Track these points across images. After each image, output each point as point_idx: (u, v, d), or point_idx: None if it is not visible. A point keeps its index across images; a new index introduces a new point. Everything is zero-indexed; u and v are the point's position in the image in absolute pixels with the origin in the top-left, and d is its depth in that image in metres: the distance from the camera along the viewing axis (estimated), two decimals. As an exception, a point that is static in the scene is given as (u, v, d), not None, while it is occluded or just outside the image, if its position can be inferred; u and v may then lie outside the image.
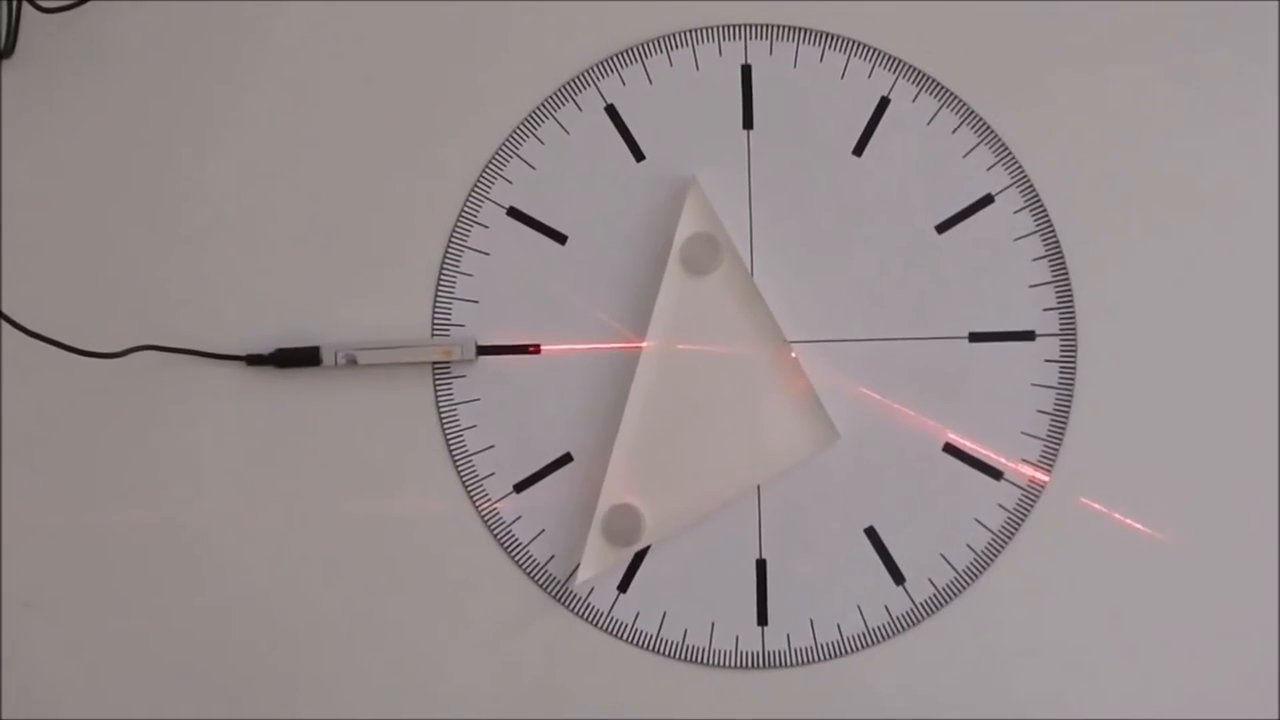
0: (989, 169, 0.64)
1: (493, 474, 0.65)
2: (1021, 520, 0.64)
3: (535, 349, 0.65)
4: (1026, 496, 0.64)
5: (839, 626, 0.64)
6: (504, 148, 0.65)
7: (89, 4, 0.65)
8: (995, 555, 0.64)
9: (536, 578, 0.65)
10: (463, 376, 0.65)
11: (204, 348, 0.65)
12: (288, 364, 0.64)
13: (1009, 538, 0.64)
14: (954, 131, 0.65)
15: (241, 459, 0.65)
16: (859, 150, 0.65)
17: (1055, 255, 0.64)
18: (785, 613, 0.64)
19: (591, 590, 0.64)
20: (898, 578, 0.64)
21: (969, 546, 0.64)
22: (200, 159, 0.66)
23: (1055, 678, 0.64)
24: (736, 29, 0.65)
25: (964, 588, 0.64)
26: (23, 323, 0.62)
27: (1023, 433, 0.64)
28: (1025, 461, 0.64)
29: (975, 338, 0.64)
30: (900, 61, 0.65)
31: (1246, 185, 0.64)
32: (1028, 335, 0.64)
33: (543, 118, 0.65)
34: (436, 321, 0.65)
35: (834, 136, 0.65)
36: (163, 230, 0.66)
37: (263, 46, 0.66)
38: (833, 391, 0.64)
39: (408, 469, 0.65)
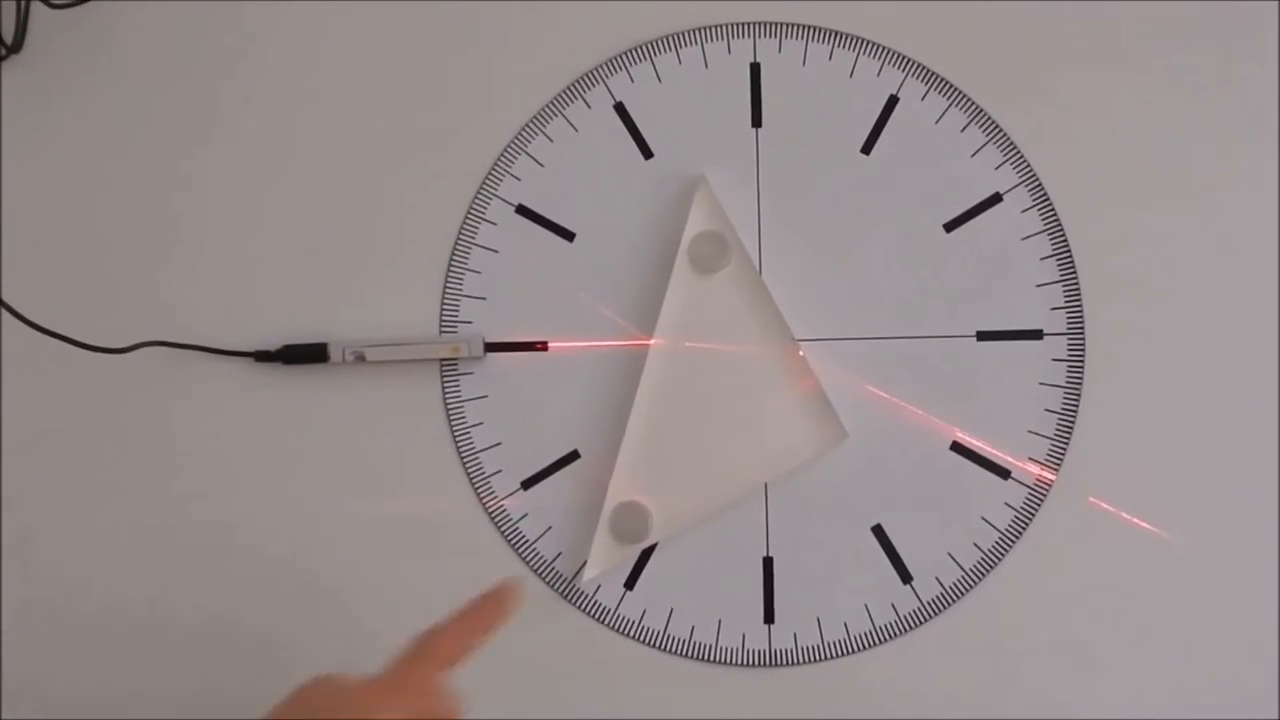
0: (997, 168, 0.64)
1: (500, 471, 0.65)
2: (1029, 519, 0.64)
3: (543, 346, 0.65)
4: (1034, 495, 0.64)
5: (846, 625, 0.64)
6: (512, 145, 0.65)
7: (98, 0, 0.65)
8: (1003, 554, 0.64)
9: (543, 575, 0.65)
10: (470, 373, 0.65)
11: (211, 344, 0.65)
12: (295, 360, 0.64)
13: (1016, 537, 0.64)
14: (962, 130, 0.65)
15: (248, 455, 0.65)
16: (867, 149, 0.65)
17: (1063, 254, 0.64)
18: (792, 610, 0.64)
19: (598, 587, 0.64)
20: (905, 576, 0.64)
21: (976, 545, 0.64)
22: (208, 155, 0.66)
23: (1063, 677, 0.63)
24: (745, 27, 0.65)
25: (971, 586, 0.64)
26: (29, 317, 0.62)
27: (1030, 431, 0.64)
28: (1033, 460, 0.64)
29: (983, 336, 0.64)
30: (909, 60, 0.65)
31: (1255, 185, 0.64)
32: (1035, 334, 0.64)
33: (551, 115, 0.65)
34: (444, 318, 0.65)
35: (842, 135, 0.65)
36: (170, 226, 0.66)
37: (271, 43, 0.66)
38: (840, 390, 0.64)
39: (415, 465, 0.65)
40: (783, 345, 0.64)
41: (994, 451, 0.64)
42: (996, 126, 0.65)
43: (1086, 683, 0.63)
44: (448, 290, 0.65)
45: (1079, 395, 0.64)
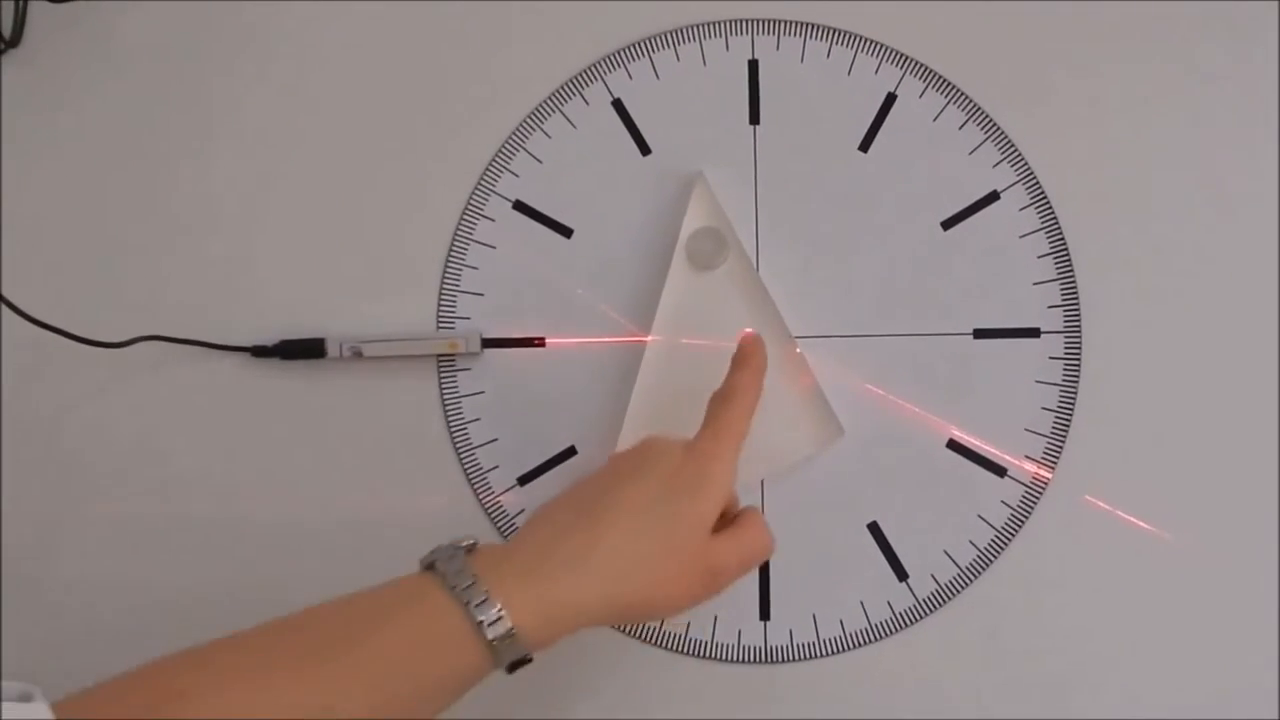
0: (995, 166, 0.65)
1: (497, 467, 0.65)
2: (1025, 517, 0.64)
3: (540, 342, 0.65)
4: (1030, 493, 0.64)
5: (842, 622, 0.64)
6: (510, 141, 0.65)
7: (96, -6, 0.65)
8: (999, 552, 0.64)
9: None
10: (467, 369, 0.65)
11: (208, 338, 0.65)
12: (292, 355, 0.64)
13: (1012, 534, 0.64)
14: (960, 128, 0.65)
15: (245, 450, 0.65)
16: (865, 146, 0.65)
17: (1060, 252, 0.64)
18: (788, 608, 0.64)
19: (595, 584, 0.64)
20: (901, 574, 0.64)
21: (972, 543, 0.64)
22: (206, 150, 0.66)
23: (1059, 675, 0.64)
24: (744, 24, 0.65)
25: (967, 584, 0.64)
26: (26, 311, 0.62)
27: (1027, 429, 0.64)
28: (1029, 458, 0.64)
29: (980, 334, 0.64)
30: (907, 57, 0.65)
31: (1254, 184, 0.64)
32: (1032, 332, 0.64)
33: (549, 111, 0.66)
34: (441, 314, 0.65)
35: (840, 132, 0.65)
36: (167, 221, 0.66)
37: (269, 39, 0.66)
38: (837, 387, 0.64)
39: (412, 461, 0.65)
40: (780, 342, 0.64)
41: (990, 449, 0.64)
42: (994, 124, 0.65)
43: (1083, 681, 0.63)
44: (445, 286, 0.65)
45: (1075, 393, 0.64)
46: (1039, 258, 0.64)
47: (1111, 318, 0.64)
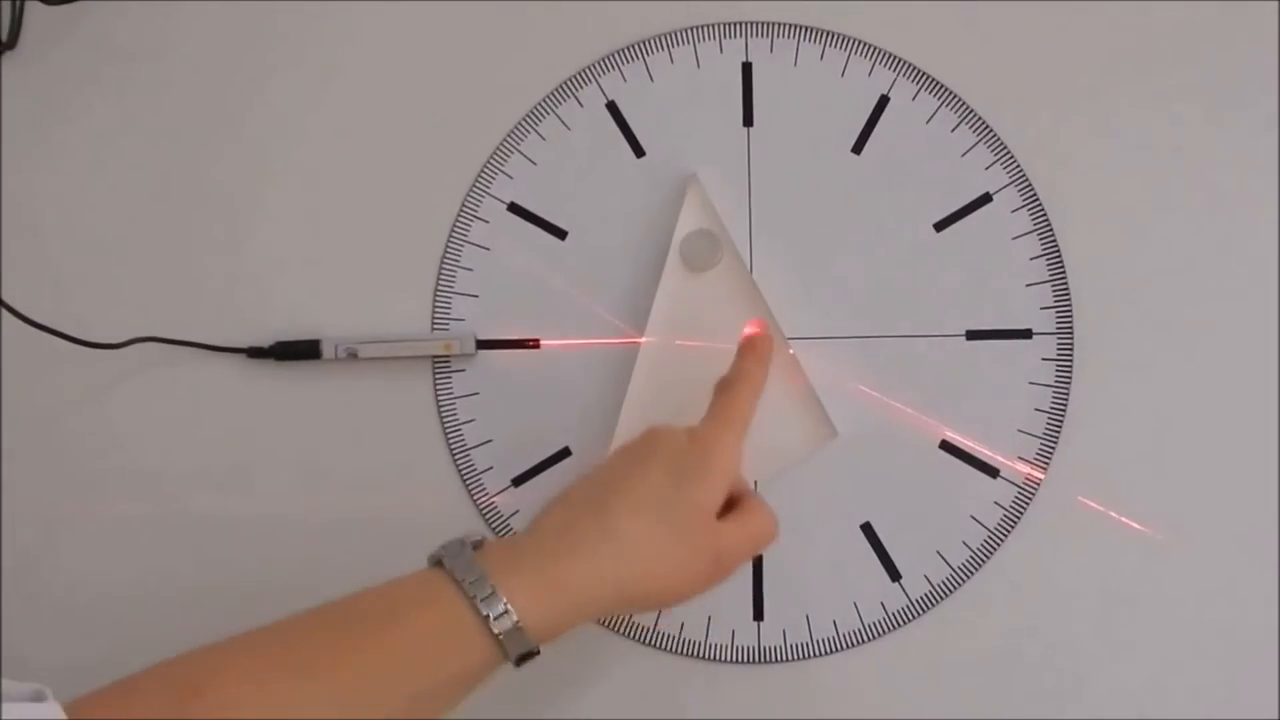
0: (987, 168, 0.65)
1: (491, 468, 0.65)
2: (1018, 518, 0.64)
3: (534, 344, 0.65)
4: (1023, 494, 0.64)
5: (835, 622, 0.64)
6: (505, 143, 0.66)
7: (93, -3, 0.66)
8: (991, 553, 0.64)
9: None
10: (462, 371, 0.65)
11: (204, 340, 0.65)
12: (288, 357, 0.65)
13: (1005, 535, 0.64)
14: (953, 130, 0.65)
15: (241, 450, 0.66)
16: (858, 148, 0.65)
17: (1053, 254, 0.64)
18: (781, 608, 0.64)
19: (589, 584, 0.65)
20: (894, 574, 0.64)
21: (965, 544, 0.64)
22: (202, 152, 0.66)
23: (1051, 675, 0.64)
24: (738, 26, 0.66)
25: (960, 584, 0.64)
26: (23, 312, 0.63)
27: (1019, 430, 0.64)
28: (1022, 459, 0.64)
29: (972, 335, 0.64)
30: (900, 60, 0.65)
31: (1246, 185, 0.65)
32: (1025, 333, 0.64)
33: (544, 114, 0.66)
34: (436, 316, 0.65)
35: (833, 134, 0.65)
36: (163, 223, 0.66)
37: (265, 44, 0.67)
38: (830, 388, 0.64)
39: (407, 462, 0.65)
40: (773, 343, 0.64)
41: (983, 450, 0.64)
42: (987, 127, 0.65)
43: (1076, 681, 0.64)
44: (440, 287, 0.65)
45: (1068, 394, 0.64)
46: (1031, 259, 0.64)
47: (1103, 319, 0.64)
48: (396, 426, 0.65)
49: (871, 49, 0.65)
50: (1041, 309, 0.64)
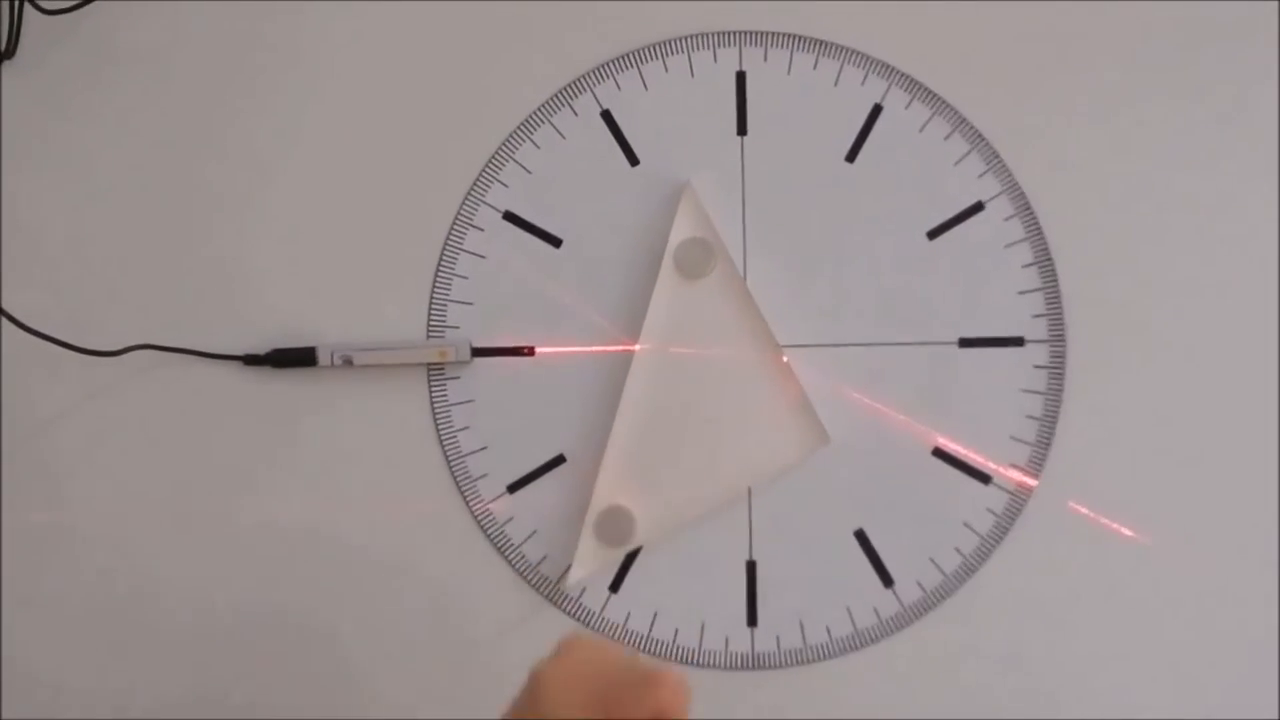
0: (980, 176, 0.65)
1: (486, 475, 0.65)
2: (1010, 524, 0.64)
3: (529, 351, 0.65)
4: (1015, 501, 0.64)
5: (828, 628, 0.64)
6: (500, 152, 0.66)
7: (90, 6, 0.66)
8: (983, 559, 0.64)
9: (529, 578, 0.65)
10: (457, 378, 0.65)
11: (201, 347, 0.65)
12: (284, 364, 0.65)
13: (997, 542, 0.64)
14: (946, 139, 0.65)
15: (237, 456, 0.66)
16: (851, 157, 0.65)
17: (1045, 262, 0.65)
18: (775, 614, 0.64)
19: (583, 591, 0.65)
20: (887, 580, 0.64)
21: (957, 550, 0.64)
22: (198, 160, 0.67)
23: (1043, 681, 0.64)
24: (731, 36, 0.66)
25: (952, 590, 0.64)
26: (21, 320, 0.63)
27: (1011, 437, 0.64)
28: (1014, 466, 0.64)
29: (965, 343, 0.65)
30: (893, 69, 0.66)
31: (1239, 194, 0.65)
32: (1017, 341, 0.65)
33: (539, 122, 0.66)
34: (432, 323, 0.66)
35: (827, 143, 0.65)
36: (161, 231, 0.67)
37: (261, 50, 0.67)
38: (824, 395, 0.64)
39: (402, 469, 0.65)
40: (767, 351, 0.64)
41: (975, 457, 0.64)
42: (979, 135, 0.65)
43: (1068, 685, 0.64)
44: (435, 295, 0.66)
45: (1059, 401, 0.64)
46: (1023, 267, 0.65)
47: (1095, 327, 0.64)
48: (392, 433, 0.65)
49: (865, 58, 0.66)
50: (1033, 317, 0.65)
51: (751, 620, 0.65)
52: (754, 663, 0.64)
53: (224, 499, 0.66)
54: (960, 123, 0.65)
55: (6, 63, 0.66)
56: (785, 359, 0.64)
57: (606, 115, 0.66)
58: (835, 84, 0.66)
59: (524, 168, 0.66)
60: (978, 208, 0.65)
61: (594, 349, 0.65)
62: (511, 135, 0.66)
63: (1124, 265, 0.65)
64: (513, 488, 0.65)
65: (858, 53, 0.66)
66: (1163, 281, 0.65)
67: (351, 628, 0.65)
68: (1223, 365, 0.64)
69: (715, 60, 0.66)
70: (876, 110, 0.65)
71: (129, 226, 0.67)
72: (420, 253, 0.66)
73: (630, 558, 0.65)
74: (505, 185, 0.66)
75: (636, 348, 0.64)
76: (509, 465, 0.65)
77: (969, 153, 0.65)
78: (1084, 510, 0.64)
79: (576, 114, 0.66)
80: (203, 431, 0.66)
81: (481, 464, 0.65)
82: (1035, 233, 0.65)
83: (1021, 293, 0.65)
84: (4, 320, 0.63)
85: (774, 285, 0.65)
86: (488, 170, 0.66)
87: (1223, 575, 0.64)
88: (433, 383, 0.65)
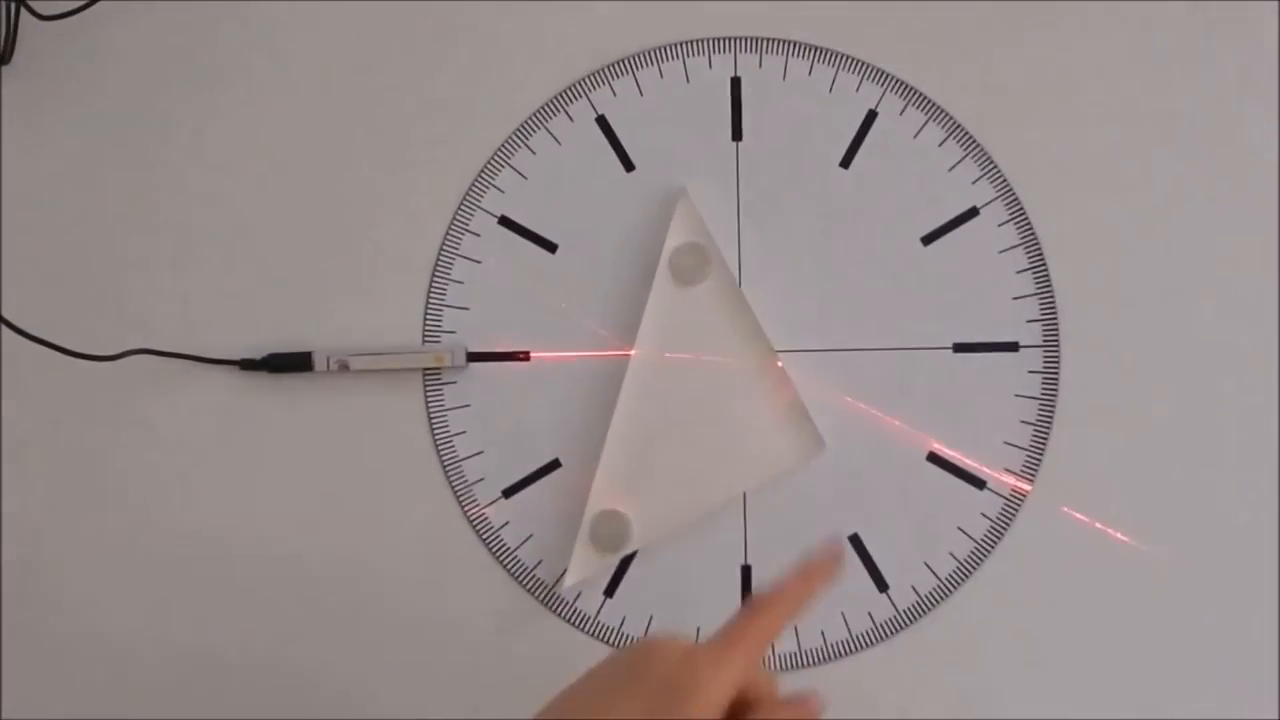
0: (974, 182, 0.65)
1: (481, 479, 0.65)
2: (1004, 529, 0.64)
3: (525, 356, 0.66)
4: (1009, 506, 0.64)
5: (823, 633, 0.64)
6: (496, 157, 0.66)
7: (87, 11, 0.66)
8: (978, 564, 0.64)
9: (524, 582, 0.65)
10: (453, 383, 0.66)
11: (197, 352, 0.65)
12: (280, 369, 0.65)
13: (992, 546, 0.64)
14: (940, 145, 0.65)
15: (233, 462, 0.66)
16: (846, 162, 0.66)
17: (1039, 268, 0.65)
18: (770, 619, 0.64)
19: (579, 595, 0.65)
20: (881, 585, 0.64)
21: (952, 555, 0.64)
22: (195, 165, 0.67)
23: (1037, 685, 0.64)
24: (726, 42, 0.66)
25: (947, 595, 0.64)
26: (16, 324, 0.63)
27: (1006, 442, 0.65)
28: (1008, 471, 0.65)
29: (959, 348, 0.65)
30: (888, 75, 0.66)
31: (1235, 199, 0.65)
32: (1011, 346, 0.65)
33: (534, 128, 0.66)
34: (427, 328, 0.66)
35: (822, 149, 0.66)
36: (156, 235, 0.67)
37: (257, 56, 0.67)
38: (818, 401, 0.64)
39: (398, 474, 0.65)
40: (762, 356, 0.64)
41: (970, 462, 0.65)
42: (973, 141, 0.65)
43: (1062, 691, 0.64)
44: (431, 300, 0.66)
45: (1054, 407, 0.64)
46: (1018, 273, 0.65)
47: (1089, 332, 0.65)
48: (387, 438, 0.66)
49: (859, 64, 0.66)
50: (1028, 322, 0.65)
51: (746, 625, 0.65)
52: (749, 667, 0.64)
53: (220, 503, 0.66)
54: (954, 128, 0.65)
55: (4, 68, 0.67)
56: (780, 364, 0.64)
57: (602, 121, 0.66)
58: (830, 90, 0.66)
59: (519, 173, 0.66)
60: (972, 213, 0.65)
61: (589, 354, 0.65)
62: (507, 141, 0.66)
63: (1118, 271, 0.65)
64: (508, 492, 0.65)
65: (852, 59, 0.66)
66: (1157, 287, 0.65)
67: (345, 631, 0.65)
68: (1218, 371, 0.64)
69: (710, 66, 0.66)
70: (871, 116, 0.66)
71: (124, 231, 0.67)
72: (416, 258, 0.66)
73: (625, 562, 0.65)
74: (501, 191, 0.66)
75: (632, 353, 0.65)
76: (504, 470, 0.65)
77: (963, 158, 0.65)
78: (1078, 515, 0.64)
79: (572, 119, 0.66)
80: (199, 436, 0.66)
81: (477, 468, 0.65)
82: (1029, 238, 0.65)
83: (1016, 298, 0.65)
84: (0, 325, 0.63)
85: (769, 291, 0.65)
86: (483, 175, 0.66)
87: (1218, 580, 0.64)
88: (428, 388, 0.66)
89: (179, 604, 0.66)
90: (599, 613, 0.65)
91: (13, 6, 0.66)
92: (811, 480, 0.65)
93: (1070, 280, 0.65)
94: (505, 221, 0.66)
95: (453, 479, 0.65)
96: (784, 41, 0.66)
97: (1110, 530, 0.64)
